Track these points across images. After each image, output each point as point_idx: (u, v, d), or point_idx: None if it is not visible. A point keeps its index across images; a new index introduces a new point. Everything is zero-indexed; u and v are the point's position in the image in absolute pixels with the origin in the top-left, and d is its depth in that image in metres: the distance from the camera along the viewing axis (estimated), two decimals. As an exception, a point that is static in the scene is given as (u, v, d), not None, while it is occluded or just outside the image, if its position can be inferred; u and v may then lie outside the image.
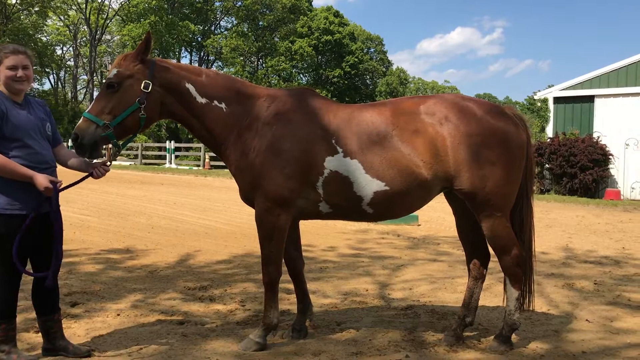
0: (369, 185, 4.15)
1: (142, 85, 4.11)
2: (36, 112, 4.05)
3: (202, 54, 62.89)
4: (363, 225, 11.25)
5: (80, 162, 4.20)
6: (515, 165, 4.27)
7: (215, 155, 4.57)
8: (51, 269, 3.93)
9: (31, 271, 4.00)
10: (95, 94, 61.56)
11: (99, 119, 4.04)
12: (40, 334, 4.23)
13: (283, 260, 4.49)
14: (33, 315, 4.43)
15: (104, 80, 4.24)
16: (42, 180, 3.81)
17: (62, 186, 3.97)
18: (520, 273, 4.35)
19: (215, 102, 4.30)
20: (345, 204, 4.25)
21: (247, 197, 4.35)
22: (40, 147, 3.96)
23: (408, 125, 4.20)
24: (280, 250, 4.31)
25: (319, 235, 10.06)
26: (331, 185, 4.18)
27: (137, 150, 37.14)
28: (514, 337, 4.49)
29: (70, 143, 4.34)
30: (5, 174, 3.76)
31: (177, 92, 4.24)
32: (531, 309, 4.68)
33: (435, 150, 4.14)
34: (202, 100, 4.28)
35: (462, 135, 4.13)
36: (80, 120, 4.09)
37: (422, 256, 8.43)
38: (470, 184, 4.14)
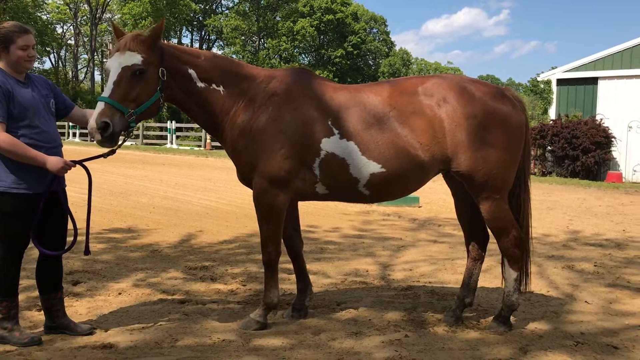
0: (366, 167, 4.14)
1: (160, 72, 4.00)
2: (39, 90, 4.02)
3: (203, 33, 62.43)
4: (365, 206, 11.26)
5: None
6: (513, 148, 4.26)
7: (218, 141, 4.54)
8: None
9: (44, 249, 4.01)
10: (97, 73, 61.54)
11: (124, 107, 3.82)
12: (42, 312, 4.26)
13: (282, 240, 4.50)
14: (35, 293, 4.46)
15: (120, 63, 3.86)
16: (55, 162, 3.81)
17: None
18: (518, 254, 4.36)
19: (214, 86, 4.25)
20: (342, 185, 4.25)
21: (245, 177, 4.36)
22: (46, 125, 3.95)
23: (406, 106, 4.18)
24: (278, 230, 4.32)
25: (321, 216, 10.07)
26: (327, 166, 4.17)
27: (138, 130, 37.04)
28: (513, 318, 4.51)
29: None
30: (16, 157, 3.76)
31: (181, 77, 4.16)
32: (527, 291, 4.70)
33: (432, 132, 4.12)
34: (201, 84, 4.21)
35: (460, 117, 4.11)
36: (102, 106, 3.78)
37: (424, 237, 8.46)
38: (467, 165, 4.13)
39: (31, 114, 3.86)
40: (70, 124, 29.14)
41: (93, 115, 3.79)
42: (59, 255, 4.13)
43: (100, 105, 3.80)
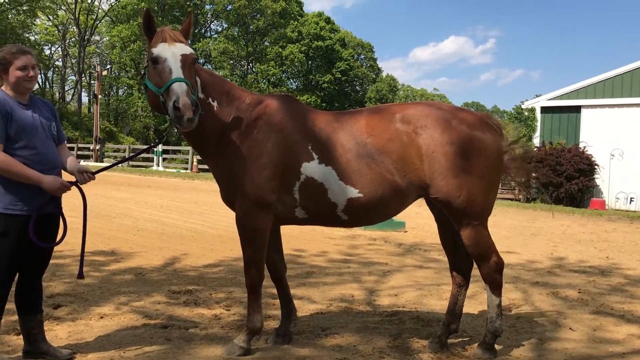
0: (343, 192, 4.17)
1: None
2: (42, 112, 4.02)
3: (191, 57, 62.58)
4: (351, 231, 11.25)
5: (73, 166, 4.12)
6: (492, 175, 4.29)
7: (202, 157, 4.53)
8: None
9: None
10: (84, 94, 61.36)
11: (193, 92, 3.87)
12: (20, 336, 4.17)
13: (266, 265, 4.47)
14: (14, 317, 4.38)
15: (174, 52, 3.86)
16: (51, 183, 3.80)
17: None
18: (499, 280, 4.37)
19: (210, 100, 4.28)
20: (320, 210, 4.27)
21: (228, 198, 4.37)
22: (45, 147, 3.93)
23: (383, 133, 4.22)
24: (261, 252, 4.30)
25: (307, 240, 10.04)
26: (307, 191, 4.20)
27: (124, 152, 36.90)
28: (498, 344, 4.50)
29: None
30: (11, 176, 3.74)
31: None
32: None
33: (409, 159, 4.16)
34: (201, 95, 4.23)
35: (437, 144, 4.15)
36: (186, 86, 3.78)
37: (410, 262, 8.45)
38: (446, 192, 4.16)
39: (28, 136, 3.85)
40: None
41: (181, 93, 3.71)
42: (51, 247, 4.09)
43: (183, 85, 3.77)
